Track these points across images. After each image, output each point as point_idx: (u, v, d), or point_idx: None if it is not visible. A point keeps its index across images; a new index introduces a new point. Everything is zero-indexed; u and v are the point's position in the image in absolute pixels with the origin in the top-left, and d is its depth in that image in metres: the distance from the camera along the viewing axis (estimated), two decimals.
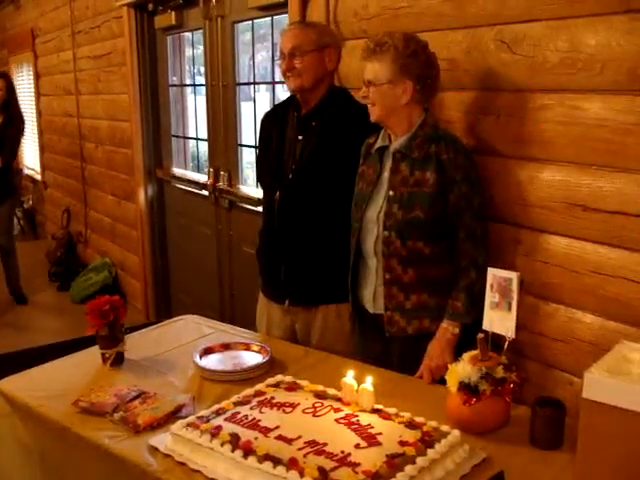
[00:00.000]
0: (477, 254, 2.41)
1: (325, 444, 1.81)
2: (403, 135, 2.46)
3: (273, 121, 3.00)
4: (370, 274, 2.56)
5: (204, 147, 5.07)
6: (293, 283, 2.88)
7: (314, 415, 2.00)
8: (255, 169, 3.22)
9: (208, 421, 1.97)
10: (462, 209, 2.39)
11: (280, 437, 1.86)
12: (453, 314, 2.40)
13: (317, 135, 2.79)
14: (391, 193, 2.46)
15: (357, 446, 1.81)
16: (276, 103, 3.27)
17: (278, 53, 2.85)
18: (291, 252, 2.85)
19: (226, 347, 2.63)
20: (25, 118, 6.44)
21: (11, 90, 6.21)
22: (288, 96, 3.11)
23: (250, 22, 4.31)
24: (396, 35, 2.40)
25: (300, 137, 2.85)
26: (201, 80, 5.01)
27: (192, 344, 2.72)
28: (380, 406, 2.01)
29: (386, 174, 2.50)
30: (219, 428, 1.92)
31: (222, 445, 1.84)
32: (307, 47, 2.74)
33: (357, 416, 1.97)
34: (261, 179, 3.09)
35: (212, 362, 2.51)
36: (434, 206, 2.39)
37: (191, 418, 2.01)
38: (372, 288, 2.56)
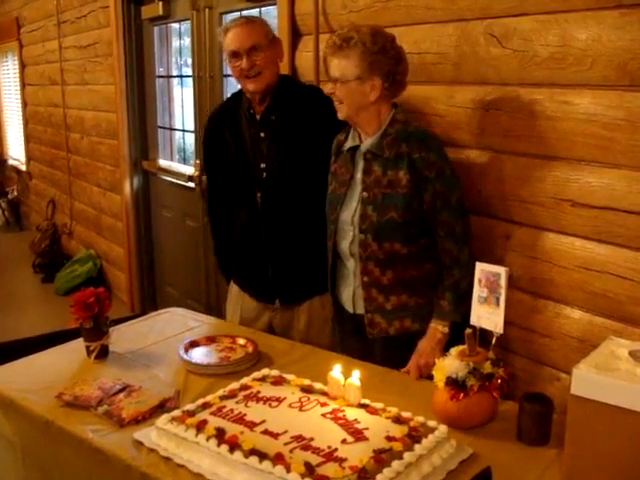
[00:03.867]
0: (459, 251, 2.38)
1: (311, 439, 1.80)
2: (373, 134, 2.42)
3: (222, 123, 2.91)
4: (349, 275, 2.54)
5: (190, 139, 5.04)
6: (284, 283, 2.85)
7: (300, 410, 1.99)
8: (209, 176, 3.09)
9: (193, 415, 1.96)
10: (439, 207, 2.36)
11: (266, 432, 1.85)
12: (441, 314, 2.38)
13: (280, 129, 2.74)
14: (365, 195, 2.42)
15: (344, 441, 1.80)
16: (219, 104, 3.20)
17: (226, 53, 2.75)
18: (279, 252, 2.82)
19: (212, 340, 2.61)
20: (10, 108, 6.39)
21: None
22: (229, 97, 3.05)
23: (238, 13, 4.27)
24: (363, 30, 2.35)
25: (262, 134, 2.79)
26: (188, 71, 4.98)
27: (178, 337, 2.70)
28: (367, 401, 2.00)
29: (359, 175, 2.46)
30: (204, 422, 1.90)
31: (207, 439, 1.83)
32: (264, 42, 2.70)
33: (344, 411, 1.96)
34: (229, 186, 2.93)
35: (198, 355, 2.49)
36: (409, 207, 2.36)
37: (176, 412, 2.00)
38: (351, 289, 2.54)
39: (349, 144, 2.51)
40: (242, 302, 3.02)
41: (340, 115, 2.45)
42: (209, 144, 3.01)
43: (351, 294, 2.54)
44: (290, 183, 2.76)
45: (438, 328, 2.38)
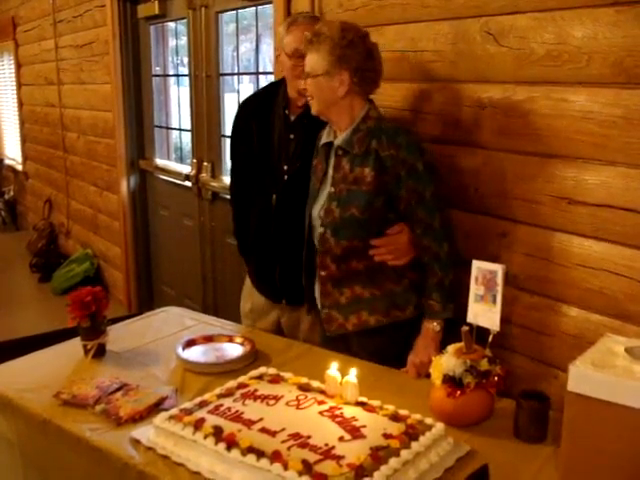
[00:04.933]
0: (438, 248, 2.36)
1: (309, 437, 1.80)
2: (346, 129, 2.43)
3: (252, 114, 2.91)
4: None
5: (187, 138, 5.04)
6: (290, 285, 2.84)
7: (298, 408, 1.99)
8: (232, 161, 3.07)
9: (191, 413, 1.96)
10: (414, 205, 2.35)
11: (263, 429, 1.84)
12: (431, 313, 2.39)
13: (310, 134, 2.71)
14: (332, 190, 2.44)
15: (341, 439, 1.80)
16: (254, 92, 3.15)
17: (288, 48, 2.66)
18: (288, 255, 2.80)
19: (209, 339, 2.62)
20: (7, 108, 6.36)
21: None
22: (266, 86, 3.04)
23: (234, 12, 4.28)
24: (334, 25, 2.37)
25: (292, 136, 2.78)
26: (184, 70, 4.98)
27: (175, 336, 2.71)
28: (364, 399, 2.01)
29: (330, 171, 2.48)
30: (202, 420, 1.90)
31: (205, 438, 1.83)
32: None
33: (341, 409, 1.96)
34: (247, 177, 2.96)
35: (195, 354, 2.50)
36: (370, 205, 2.36)
37: (174, 410, 2.00)
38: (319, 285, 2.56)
39: (324, 140, 2.52)
40: (253, 296, 3.04)
41: (312, 111, 2.46)
42: (235, 131, 2.99)
43: (319, 290, 2.55)
44: (307, 189, 2.72)
45: (430, 326, 2.38)
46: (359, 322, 2.47)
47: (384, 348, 2.47)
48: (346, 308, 2.47)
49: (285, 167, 2.78)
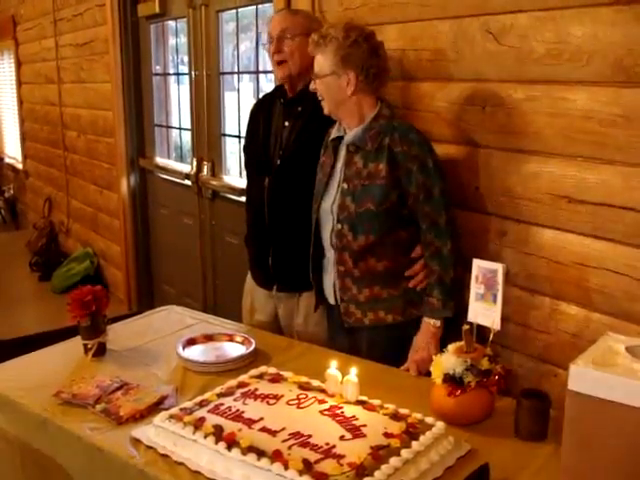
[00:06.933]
0: (441, 244, 2.38)
1: (309, 436, 1.80)
2: (356, 127, 2.46)
3: (260, 110, 3.01)
4: (330, 265, 2.57)
5: (187, 137, 5.03)
6: (281, 269, 2.88)
7: (298, 407, 1.99)
8: (242, 157, 3.21)
9: (191, 413, 1.96)
10: (422, 200, 2.38)
11: (264, 429, 1.85)
12: (431, 311, 2.40)
13: (302, 119, 2.80)
14: (344, 186, 2.46)
15: (342, 438, 1.80)
16: (263, 92, 3.26)
17: (266, 38, 2.85)
18: (280, 238, 2.85)
19: (209, 338, 2.62)
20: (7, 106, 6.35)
21: None
22: (275, 86, 3.11)
23: (234, 11, 4.28)
24: (339, 26, 2.41)
25: (286, 123, 2.85)
26: (184, 69, 4.97)
27: (175, 335, 2.71)
28: (364, 397, 2.01)
29: (339, 165, 2.50)
30: (202, 420, 1.90)
31: (205, 437, 1.83)
32: (296, 30, 2.75)
33: (341, 408, 1.97)
34: (248, 167, 3.08)
35: (195, 353, 2.50)
36: (386, 198, 2.39)
37: (174, 410, 2.00)
38: (332, 280, 2.57)
39: (334, 134, 2.55)
40: (253, 291, 3.07)
41: (324, 111, 2.49)
42: (248, 125, 3.09)
43: (332, 285, 2.56)
44: (299, 174, 2.78)
45: (430, 323, 2.40)
46: (376, 318, 2.49)
47: (395, 343, 2.48)
48: (364, 305, 2.50)
49: (280, 152, 2.84)
